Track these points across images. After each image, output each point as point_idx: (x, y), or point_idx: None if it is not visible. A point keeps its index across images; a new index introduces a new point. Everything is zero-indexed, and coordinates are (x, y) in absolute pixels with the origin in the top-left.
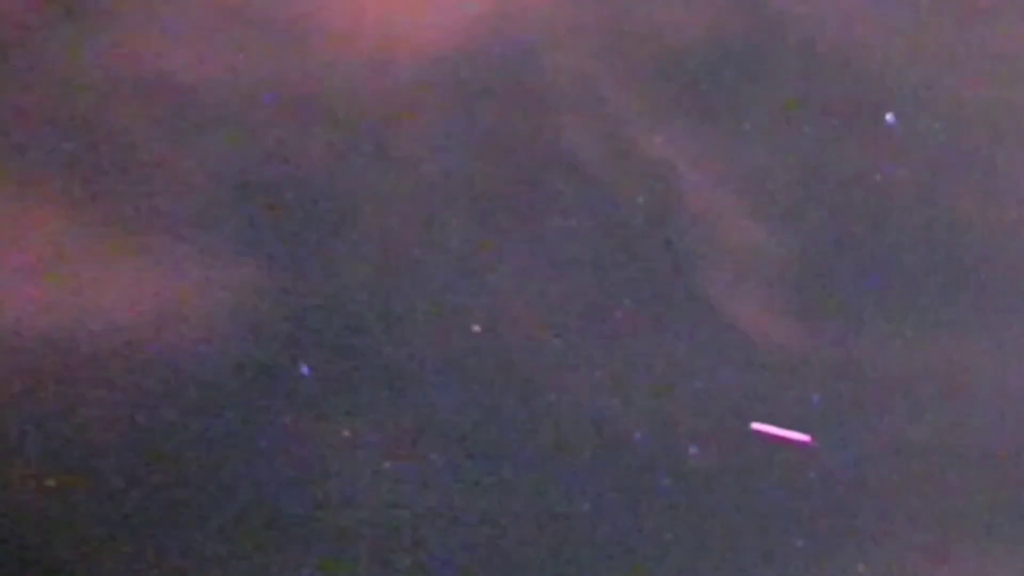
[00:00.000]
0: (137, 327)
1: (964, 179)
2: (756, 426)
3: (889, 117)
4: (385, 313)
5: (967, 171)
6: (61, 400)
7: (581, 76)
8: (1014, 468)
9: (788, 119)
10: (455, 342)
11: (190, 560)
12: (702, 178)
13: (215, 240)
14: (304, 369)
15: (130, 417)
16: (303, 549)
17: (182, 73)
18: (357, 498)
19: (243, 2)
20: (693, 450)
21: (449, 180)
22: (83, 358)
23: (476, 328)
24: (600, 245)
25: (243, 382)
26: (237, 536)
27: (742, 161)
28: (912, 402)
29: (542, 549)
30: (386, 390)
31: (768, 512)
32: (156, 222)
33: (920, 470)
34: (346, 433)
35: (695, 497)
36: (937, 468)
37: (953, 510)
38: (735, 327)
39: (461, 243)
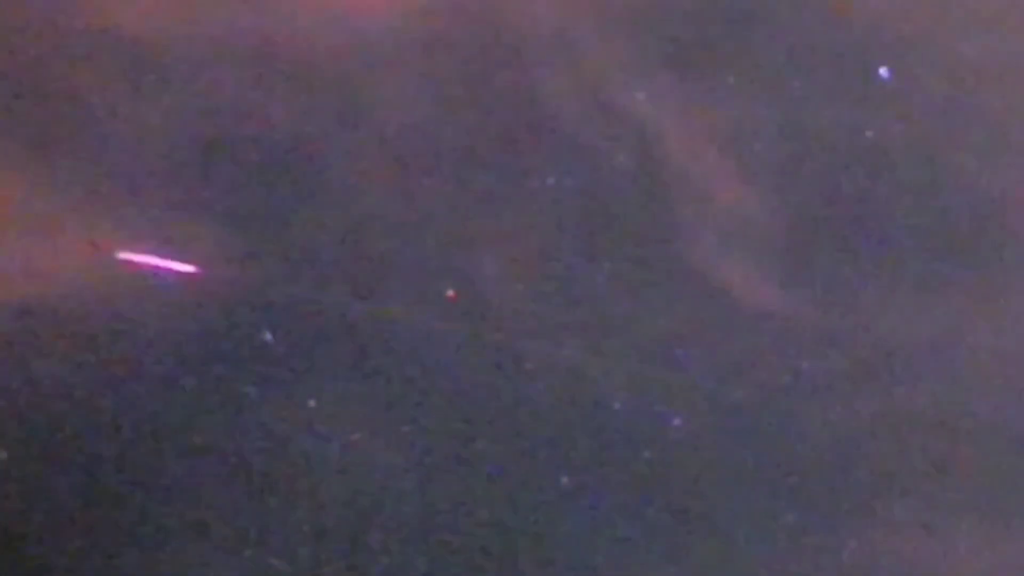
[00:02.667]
0: (91, 291)
1: (961, 135)
2: (125, 255)
3: (882, 71)
4: (353, 277)
5: (964, 127)
6: (13, 369)
7: (559, 29)
8: (1013, 440)
9: (776, 73)
10: (428, 308)
11: (146, 530)
12: (686, 135)
13: (174, 200)
14: (268, 336)
15: (84, 386)
16: (268, 523)
17: (140, 24)
18: (325, 472)
19: None
20: (676, 421)
21: (420, 138)
22: (35, 324)
23: (450, 293)
24: (579, 206)
25: (203, 349)
26: (198, 508)
27: (728, 117)
28: (907, 370)
29: (518, 523)
30: (355, 358)
31: (756, 486)
32: (113, 182)
33: (915, 442)
34: (312, 403)
35: (678, 470)
36: (933, 440)
37: (950, 484)
38: (721, 292)
39: (433, 204)
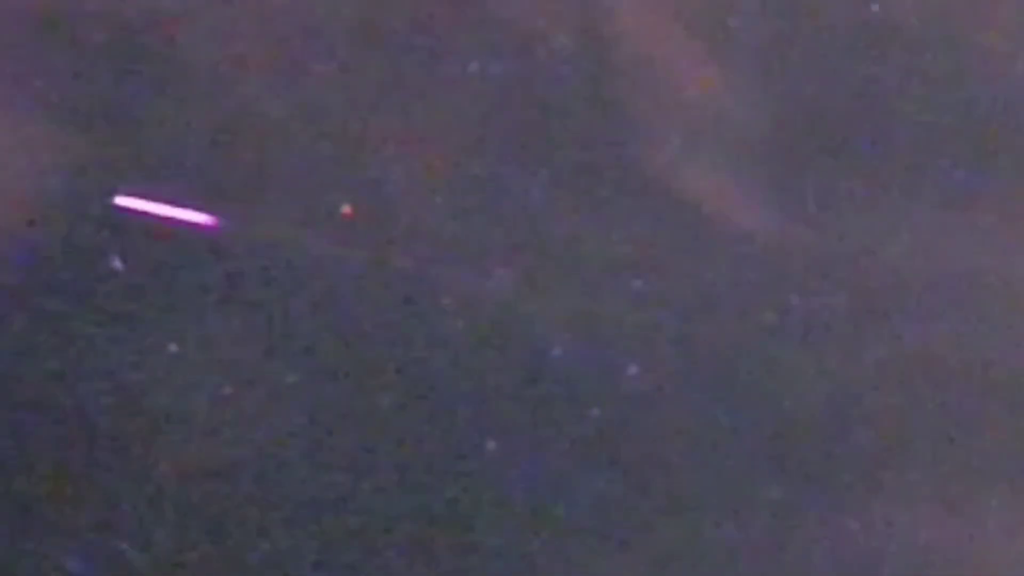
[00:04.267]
0: None
1: (989, 8)
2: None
3: None
4: (224, 189)
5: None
6: None
7: None
8: None
9: None
10: (318, 227)
11: None
12: (643, 9)
13: (1, 91)
14: (116, 263)
15: None
16: (116, 498)
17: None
18: (189, 434)
19: None
20: (632, 369)
21: (309, 15)
22: None
23: (345, 208)
24: (509, 98)
25: (36, 278)
26: (27, 479)
27: None
28: (921, 307)
29: (431, 500)
30: (225, 290)
31: (733, 453)
32: None
33: (931, 397)
34: (173, 347)
35: (635, 432)
36: (953, 394)
37: (975, 449)
38: (688, 207)
39: (325, 97)
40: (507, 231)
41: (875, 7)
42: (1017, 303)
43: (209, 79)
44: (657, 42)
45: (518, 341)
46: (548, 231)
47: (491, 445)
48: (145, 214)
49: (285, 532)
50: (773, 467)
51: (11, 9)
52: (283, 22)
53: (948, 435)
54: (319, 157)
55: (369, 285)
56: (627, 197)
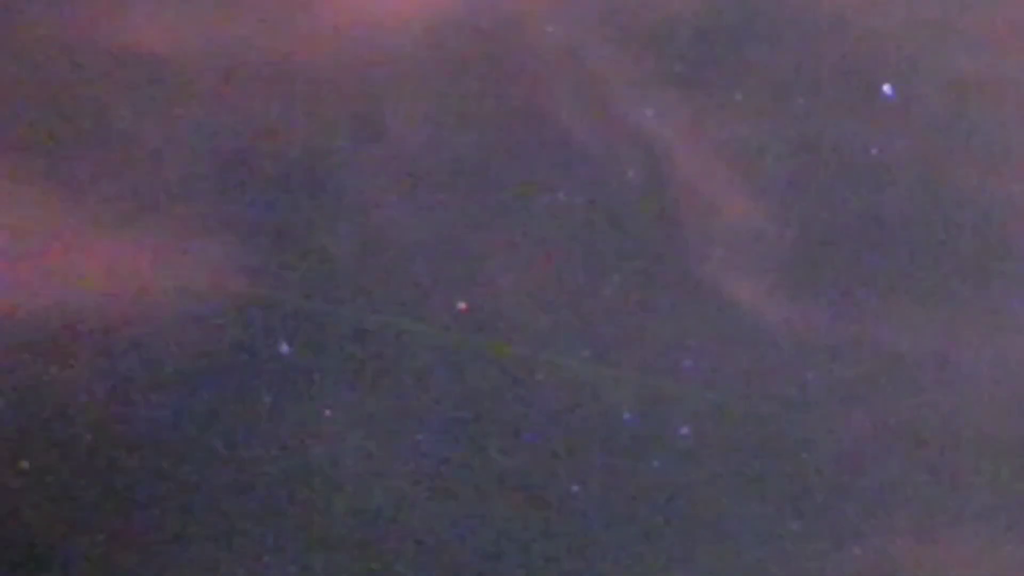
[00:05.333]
0: (112, 305)
1: (964, 152)
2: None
3: (886, 88)
4: (367, 290)
5: (967, 144)
6: (35, 380)
7: (569, 47)
8: (1014, 452)
9: (782, 90)
10: (440, 319)
11: (166, 538)
12: (693, 151)
13: (192, 214)
14: (284, 347)
15: (106, 397)
16: (284, 532)
17: (159, 41)
18: (340, 480)
19: None
20: (684, 430)
21: (433, 153)
22: (55, 336)
23: (461, 305)
24: (589, 220)
25: (220, 360)
26: (213, 520)
27: (735, 134)
28: (910, 383)
29: (530, 532)
30: (369, 369)
31: (762, 495)
32: (131, 195)
33: (918, 452)
34: (327, 413)
35: (686, 479)
36: (935, 451)
37: (951, 494)
38: (728, 304)
39: (446, 219)
40: (587, 323)
41: (874, 150)
42: (984, 378)
43: (356, 204)
44: (704, 176)
45: (595, 408)
46: (619, 323)
47: (575, 489)
48: (306, 309)
49: (415, 555)
50: (793, 507)
51: (204, 149)
52: (414, 160)
53: (933, 483)
54: (441, 266)
55: (480, 365)
56: (680, 296)
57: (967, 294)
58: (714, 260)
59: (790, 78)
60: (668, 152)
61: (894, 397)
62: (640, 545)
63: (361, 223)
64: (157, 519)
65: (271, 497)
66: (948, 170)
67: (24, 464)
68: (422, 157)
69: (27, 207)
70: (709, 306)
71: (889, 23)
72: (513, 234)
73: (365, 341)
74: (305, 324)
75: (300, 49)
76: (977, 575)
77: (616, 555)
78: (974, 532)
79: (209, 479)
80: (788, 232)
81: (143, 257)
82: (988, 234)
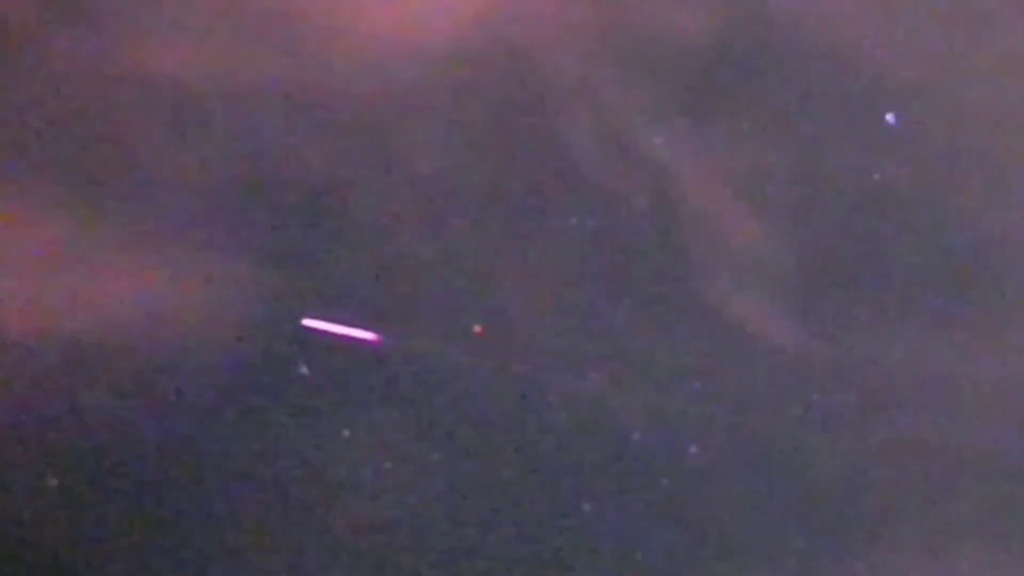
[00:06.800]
0: (137, 326)
1: (964, 178)
2: (307, 322)
3: (889, 116)
4: (384, 313)
5: (968, 170)
6: (61, 400)
7: (580, 77)
8: (1014, 469)
9: (787, 118)
10: (455, 342)
11: (189, 555)
12: (702, 178)
13: (215, 239)
14: (303, 368)
15: (130, 416)
16: (303, 549)
17: (181, 71)
18: (357, 498)
19: (243, 0)
20: (693, 449)
21: (448, 181)
22: (83, 357)
23: (476, 329)
24: (600, 246)
25: (242, 381)
26: (237, 535)
27: (742, 161)
28: (912, 402)
29: (541, 549)
30: (386, 390)
31: (768, 512)
32: (156, 221)
33: (920, 470)
34: (346, 433)
35: (695, 497)
36: (937, 468)
37: (953, 510)
38: (735, 327)
39: (461, 244)
40: (598, 345)
41: (876, 176)
42: (983, 399)
43: (373, 229)
44: (711, 202)
45: (607, 428)
46: (630, 345)
47: (586, 507)
48: (325, 332)
49: (431, 571)
50: (799, 523)
51: (224, 176)
52: (428, 186)
53: (932, 500)
54: (457, 290)
55: (494, 386)
56: (689, 319)
57: (968, 317)
58: (722, 284)
59: (795, 107)
60: (677, 179)
61: (897, 416)
62: (649, 562)
63: (378, 248)
64: (180, 536)
65: (290, 514)
66: (950, 196)
67: (52, 482)
68: (437, 185)
69: (54, 232)
70: (717, 328)
71: (893, 53)
72: (526, 259)
73: (383, 363)
74: (325, 346)
75: (318, 78)
76: None
77: (626, 570)
78: (976, 549)
79: (231, 496)
80: (793, 256)
81: (166, 280)
82: (989, 258)
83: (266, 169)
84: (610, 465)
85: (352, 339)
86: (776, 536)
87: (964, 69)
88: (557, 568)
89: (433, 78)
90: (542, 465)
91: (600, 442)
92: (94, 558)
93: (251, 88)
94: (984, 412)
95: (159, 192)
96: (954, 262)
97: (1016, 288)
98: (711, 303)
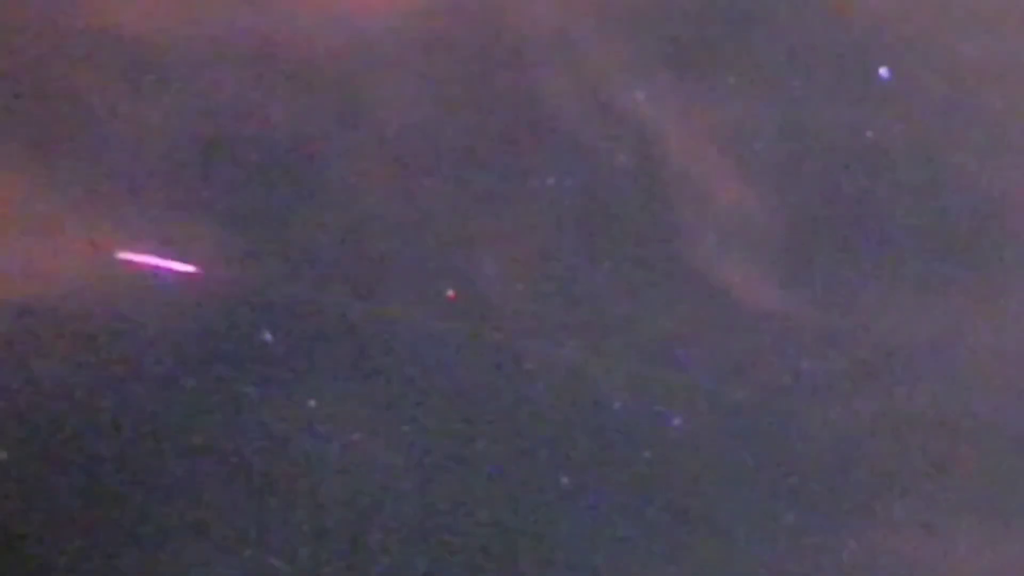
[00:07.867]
0: (93, 292)
1: (961, 135)
2: (125, 255)
3: (883, 71)
4: (353, 277)
5: (964, 127)
6: (14, 369)
7: (559, 29)
8: (1012, 440)
9: (776, 73)
10: (428, 308)
11: (147, 530)
12: (686, 135)
13: (174, 200)
14: (267, 336)
15: (86, 386)
16: (268, 523)
17: (137, 26)
18: (325, 471)
19: None
20: (676, 421)
21: (420, 138)
22: (35, 324)
23: (449, 293)
24: (579, 205)
25: (203, 349)
26: (198, 508)
27: (728, 117)
28: (906, 371)
29: (518, 523)
30: (355, 358)
31: (756, 487)
32: (113, 182)
33: (914, 442)
34: (312, 403)
35: (678, 470)
36: (932, 440)
37: (950, 483)
38: (720, 292)
39: (433, 204)
40: (577, 311)
41: (869, 133)
42: (981, 367)
43: (341, 189)
44: (696, 161)
45: (586, 398)
46: (609, 311)
47: (565, 480)
48: (289, 297)
49: (401, 548)
50: (788, 498)
51: (184, 133)
52: (399, 144)
53: (927, 473)
54: (428, 252)
55: (468, 354)
56: (672, 283)
57: (964, 281)
58: (706, 246)
59: (784, 60)
60: (660, 136)
61: (890, 385)
62: (632, 537)
63: (346, 209)
64: (138, 510)
65: (255, 488)
66: (944, 154)
67: (2, 455)
68: (409, 142)
69: (2, 192)
70: (701, 293)
71: (886, 5)
72: (502, 220)
73: (351, 330)
74: (289, 312)
75: (282, 30)
76: (975, 567)
77: (608, 547)
78: (974, 525)
79: (191, 469)
80: (781, 217)
81: (123, 243)
82: (985, 219)
83: (227, 126)
84: (589, 437)
85: (318, 305)
86: (764, 511)
87: (959, 22)
88: (534, 544)
89: (403, 31)
90: (518, 437)
91: (579, 412)
92: (46, 534)
93: (212, 41)
94: (982, 381)
95: (115, 151)
96: (950, 223)
97: (1015, 251)
98: (695, 267)
